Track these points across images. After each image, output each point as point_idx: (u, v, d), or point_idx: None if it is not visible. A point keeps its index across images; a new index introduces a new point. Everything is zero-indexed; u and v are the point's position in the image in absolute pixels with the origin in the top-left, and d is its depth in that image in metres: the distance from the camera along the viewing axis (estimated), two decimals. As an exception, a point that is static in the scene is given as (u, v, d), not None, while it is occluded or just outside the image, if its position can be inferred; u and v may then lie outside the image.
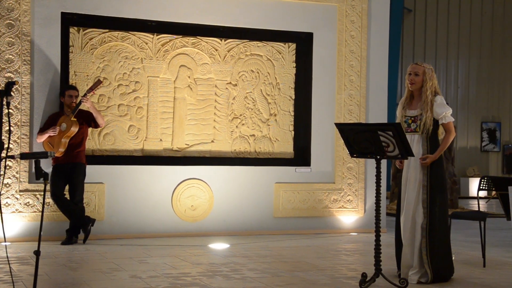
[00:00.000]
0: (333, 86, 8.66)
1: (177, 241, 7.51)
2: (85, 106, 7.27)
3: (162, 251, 6.78)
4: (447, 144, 5.40)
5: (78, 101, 7.22)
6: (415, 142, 5.36)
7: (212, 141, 8.27)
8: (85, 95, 7.22)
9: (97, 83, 7.35)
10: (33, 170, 6.65)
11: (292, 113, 8.61)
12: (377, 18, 8.88)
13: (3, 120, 3.81)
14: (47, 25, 7.44)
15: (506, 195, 6.48)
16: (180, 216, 7.99)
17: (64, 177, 7.22)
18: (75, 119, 7.18)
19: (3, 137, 3.78)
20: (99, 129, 7.71)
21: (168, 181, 7.95)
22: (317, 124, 8.61)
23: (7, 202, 7.24)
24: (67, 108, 7.27)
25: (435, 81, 5.43)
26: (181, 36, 8.13)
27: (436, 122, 5.40)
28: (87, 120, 7.34)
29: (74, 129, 7.16)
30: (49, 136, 7.20)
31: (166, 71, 8.07)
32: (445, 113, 5.35)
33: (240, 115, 8.39)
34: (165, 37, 8.07)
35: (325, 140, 8.62)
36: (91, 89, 7.27)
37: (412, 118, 5.42)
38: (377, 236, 5.07)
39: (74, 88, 7.35)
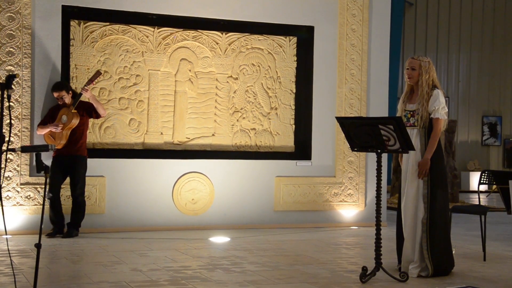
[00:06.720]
0: (334, 80, 8.65)
1: (177, 235, 7.52)
2: (85, 97, 7.28)
3: (163, 245, 6.79)
4: (433, 145, 5.23)
5: (78, 93, 7.25)
6: (414, 136, 5.33)
7: (213, 135, 8.27)
8: (85, 86, 7.23)
9: (97, 74, 7.37)
10: (34, 163, 6.64)
11: (293, 107, 8.60)
12: (378, 12, 8.86)
13: (4, 113, 3.81)
14: (48, 18, 7.43)
15: (506, 189, 6.47)
16: (181, 210, 8.00)
17: (64, 170, 7.21)
18: (76, 111, 7.19)
19: (4, 130, 3.78)
20: (99, 122, 7.71)
21: (168, 175, 7.95)
22: (317, 118, 8.60)
23: (8, 195, 7.25)
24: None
25: (433, 74, 5.35)
26: (181, 29, 8.12)
27: (433, 116, 5.37)
28: (88, 111, 7.34)
29: (75, 121, 7.17)
30: (51, 130, 7.21)
31: (167, 64, 8.06)
32: (435, 107, 5.25)
33: (241, 108, 8.38)
34: (166, 31, 8.05)
35: (325, 134, 8.62)
36: (91, 80, 7.30)
37: (411, 112, 5.39)
38: (378, 229, 5.08)
39: (57, 89, 7.16)
